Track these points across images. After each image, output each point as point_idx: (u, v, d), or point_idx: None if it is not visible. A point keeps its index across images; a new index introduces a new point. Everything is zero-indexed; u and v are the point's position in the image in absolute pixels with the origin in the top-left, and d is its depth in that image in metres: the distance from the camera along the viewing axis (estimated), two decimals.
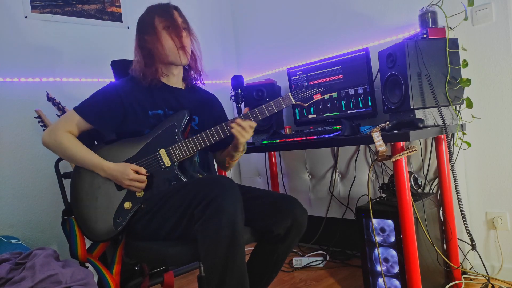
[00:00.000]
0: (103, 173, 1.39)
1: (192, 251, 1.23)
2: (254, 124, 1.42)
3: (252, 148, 1.91)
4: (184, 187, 1.29)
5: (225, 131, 1.42)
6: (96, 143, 1.56)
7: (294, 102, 1.46)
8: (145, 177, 1.38)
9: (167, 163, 1.40)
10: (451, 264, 1.71)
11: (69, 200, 1.45)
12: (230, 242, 1.14)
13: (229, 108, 2.77)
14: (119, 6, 2.34)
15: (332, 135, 1.68)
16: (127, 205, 1.38)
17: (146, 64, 1.47)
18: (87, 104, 1.44)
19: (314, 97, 1.47)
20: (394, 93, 1.68)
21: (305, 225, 1.39)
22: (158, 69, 1.49)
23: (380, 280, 1.61)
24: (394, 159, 1.43)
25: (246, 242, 1.34)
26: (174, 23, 1.45)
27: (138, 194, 1.39)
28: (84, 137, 1.49)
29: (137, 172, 1.37)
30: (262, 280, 1.45)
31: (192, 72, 1.58)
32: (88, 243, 1.47)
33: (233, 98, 2.13)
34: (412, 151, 1.44)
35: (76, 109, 1.43)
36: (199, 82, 1.62)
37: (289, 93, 1.47)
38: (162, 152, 1.40)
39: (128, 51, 1.60)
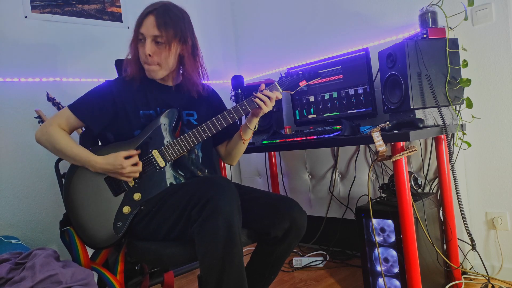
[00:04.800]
0: (92, 168, 1.37)
1: (189, 251, 1.23)
2: (280, 96, 1.47)
3: (252, 148, 1.91)
4: (182, 188, 1.29)
5: (227, 119, 1.43)
6: (100, 143, 1.57)
7: (281, 91, 1.48)
8: (137, 159, 1.37)
9: (162, 163, 1.40)
10: (451, 264, 1.71)
11: (64, 211, 1.45)
12: (227, 243, 1.14)
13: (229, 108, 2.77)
14: (119, 6, 2.34)
15: (332, 135, 1.68)
16: (126, 209, 1.37)
17: (135, 63, 1.46)
18: (80, 101, 1.45)
19: (300, 84, 1.49)
20: (394, 93, 1.68)
21: (304, 227, 1.38)
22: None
23: (380, 280, 1.61)
24: (394, 159, 1.43)
25: (243, 243, 1.33)
26: (139, 33, 1.39)
27: (135, 197, 1.38)
28: (87, 138, 1.52)
29: (129, 157, 1.36)
30: (261, 280, 1.45)
31: (190, 80, 1.51)
32: (90, 251, 1.47)
33: (233, 98, 2.13)
34: (412, 151, 1.44)
35: (70, 106, 1.44)
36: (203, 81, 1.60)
37: (276, 82, 1.48)
38: (155, 152, 1.40)
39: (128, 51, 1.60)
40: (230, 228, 1.14)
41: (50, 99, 1.87)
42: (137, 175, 1.37)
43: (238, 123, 1.78)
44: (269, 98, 1.43)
